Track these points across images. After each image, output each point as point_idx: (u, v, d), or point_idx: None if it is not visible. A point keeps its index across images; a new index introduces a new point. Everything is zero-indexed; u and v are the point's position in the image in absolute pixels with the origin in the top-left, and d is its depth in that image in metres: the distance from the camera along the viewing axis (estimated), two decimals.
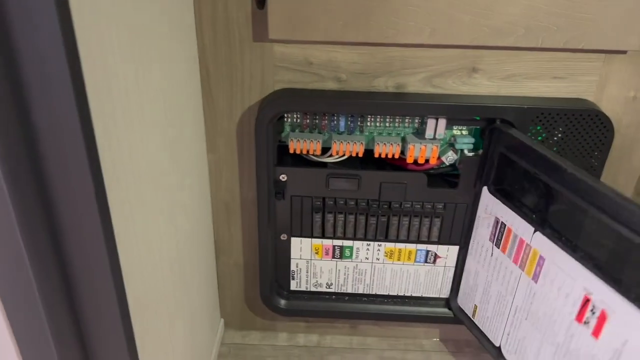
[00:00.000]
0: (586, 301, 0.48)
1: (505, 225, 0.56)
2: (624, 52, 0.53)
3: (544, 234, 0.51)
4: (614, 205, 0.43)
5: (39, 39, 0.27)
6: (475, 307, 0.63)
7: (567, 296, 0.49)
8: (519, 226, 0.54)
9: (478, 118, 0.57)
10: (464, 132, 0.59)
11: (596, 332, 0.47)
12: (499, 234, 0.57)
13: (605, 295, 0.46)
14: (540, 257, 0.52)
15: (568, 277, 0.49)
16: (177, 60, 0.49)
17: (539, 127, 0.55)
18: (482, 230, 0.59)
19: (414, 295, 0.69)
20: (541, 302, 0.52)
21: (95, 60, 0.32)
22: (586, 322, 0.48)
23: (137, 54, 0.39)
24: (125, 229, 0.37)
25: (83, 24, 0.29)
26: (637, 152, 0.58)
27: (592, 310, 0.47)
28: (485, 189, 0.58)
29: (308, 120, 0.59)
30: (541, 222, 0.51)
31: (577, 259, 0.48)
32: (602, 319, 0.46)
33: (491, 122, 0.56)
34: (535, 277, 0.53)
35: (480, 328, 0.63)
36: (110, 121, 0.34)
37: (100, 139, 0.33)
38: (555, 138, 0.55)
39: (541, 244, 0.51)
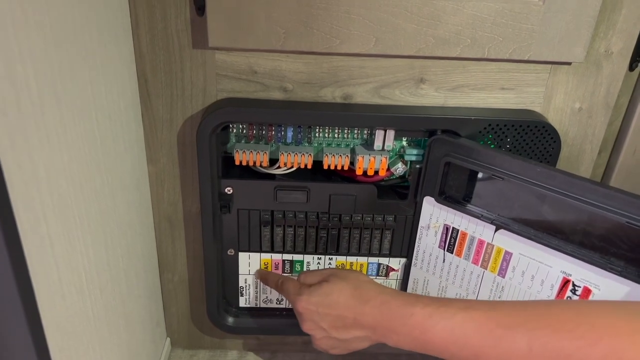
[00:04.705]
0: (565, 282, 0.50)
1: (457, 230, 0.56)
2: (569, 63, 0.53)
3: (508, 230, 0.52)
4: (584, 189, 0.47)
5: None
6: None
7: (543, 282, 0.52)
8: (476, 228, 0.55)
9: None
10: (412, 143, 0.58)
11: None
12: (451, 239, 0.57)
13: (585, 274, 0.49)
14: (506, 252, 0.53)
15: (541, 264, 0.52)
16: (112, 68, 0.46)
17: (490, 135, 0.54)
18: (428, 239, 0.59)
19: None
20: (512, 293, 0.55)
21: None
22: None
23: (56, 64, 0.36)
24: (41, 252, 0.35)
25: None
26: (584, 163, 0.58)
27: (572, 290, 0.50)
28: (428, 198, 0.57)
29: (254, 131, 0.57)
30: (504, 219, 0.53)
31: (550, 247, 0.50)
32: (585, 295, 0.50)
33: (435, 133, 0.55)
34: (502, 272, 0.54)
35: None
36: (20, 138, 0.32)
37: (6, 158, 0.30)
38: (504, 149, 0.55)
39: (505, 240, 0.53)
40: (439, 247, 0.58)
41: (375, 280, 0.56)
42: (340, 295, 0.50)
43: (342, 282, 0.52)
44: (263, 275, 0.63)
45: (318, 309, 0.51)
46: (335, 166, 0.57)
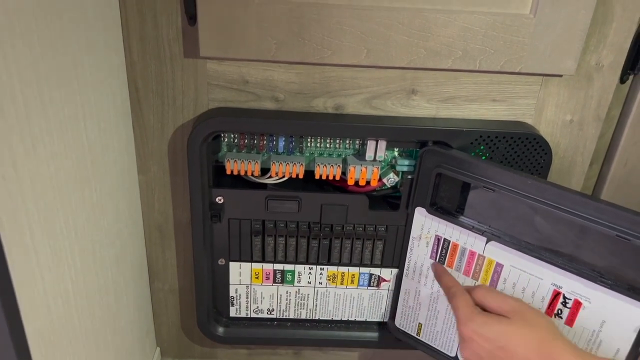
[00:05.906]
0: (556, 295, 0.50)
1: (449, 241, 0.56)
2: (560, 75, 0.53)
3: (500, 242, 0.52)
4: (574, 202, 0.46)
5: None
6: (420, 325, 0.62)
7: (534, 294, 0.52)
8: (467, 239, 0.54)
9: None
10: (404, 154, 0.58)
11: (570, 321, 0.50)
12: (443, 250, 0.57)
13: (576, 287, 0.49)
14: (497, 264, 0.53)
15: (532, 276, 0.51)
16: (102, 76, 0.46)
17: (482, 147, 0.54)
18: (419, 250, 0.59)
19: (358, 319, 0.67)
20: None
21: None
22: (558, 314, 0.51)
23: (43, 73, 0.36)
24: (25, 263, 0.34)
25: None
26: (575, 176, 0.59)
27: (563, 302, 0.50)
28: (419, 209, 0.57)
29: (245, 140, 0.57)
30: (495, 231, 0.53)
31: (541, 259, 0.50)
32: (576, 308, 0.49)
33: (427, 144, 0.55)
34: (493, 284, 0.54)
35: (430, 344, 0.62)
36: (4, 147, 0.31)
37: None
38: (495, 160, 0.55)
39: (496, 252, 0.53)
40: (430, 257, 0.58)
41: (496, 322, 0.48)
42: (522, 345, 0.44)
43: (527, 329, 0.45)
44: (439, 272, 0.56)
45: (488, 346, 0.45)
46: (327, 176, 0.56)
